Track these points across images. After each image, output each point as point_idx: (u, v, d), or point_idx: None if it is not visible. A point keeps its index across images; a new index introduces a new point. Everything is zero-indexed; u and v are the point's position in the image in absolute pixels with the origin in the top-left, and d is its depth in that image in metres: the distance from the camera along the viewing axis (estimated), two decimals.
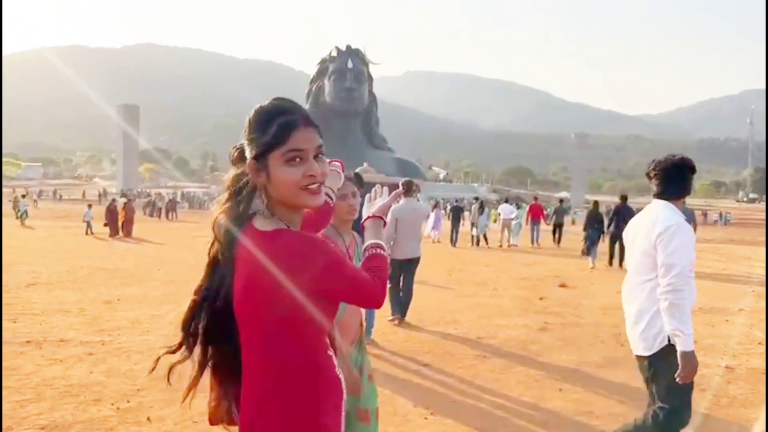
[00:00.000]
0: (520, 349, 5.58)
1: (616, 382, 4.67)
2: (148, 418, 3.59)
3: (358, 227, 1.75)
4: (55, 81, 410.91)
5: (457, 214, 18.89)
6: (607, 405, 4.16)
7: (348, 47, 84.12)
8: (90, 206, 20.94)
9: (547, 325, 6.70)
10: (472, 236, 18.28)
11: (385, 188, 1.76)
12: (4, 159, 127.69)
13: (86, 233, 19.25)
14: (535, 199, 22.48)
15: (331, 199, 1.79)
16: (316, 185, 1.35)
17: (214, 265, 1.44)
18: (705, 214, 54.55)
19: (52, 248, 14.35)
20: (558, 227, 19.09)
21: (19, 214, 23.96)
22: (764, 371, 4.94)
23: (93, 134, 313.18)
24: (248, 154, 1.37)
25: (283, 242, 1.31)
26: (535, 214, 19.75)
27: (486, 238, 18.16)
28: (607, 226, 13.28)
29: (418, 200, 7.39)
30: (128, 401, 3.87)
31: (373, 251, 1.51)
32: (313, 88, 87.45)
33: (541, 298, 8.53)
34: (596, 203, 15.17)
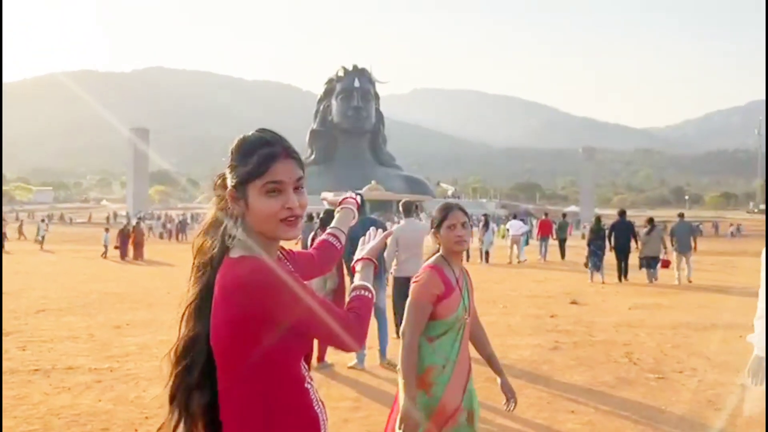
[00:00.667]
0: (531, 370, 5.51)
1: (629, 402, 4.59)
2: None
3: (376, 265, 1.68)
4: (66, 106, 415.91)
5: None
6: (620, 426, 4.08)
7: (354, 67, 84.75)
8: (107, 230, 21.73)
9: (559, 344, 6.62)
10: (480, 251, 18.35)
11: (379, 230, 1.73)
12: (15, 184, 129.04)
13: (103, 256, 19.69)
14: (546, 215, 22.52)
15: (339, 242, 1.78)
16: (293, 218, 1.34)
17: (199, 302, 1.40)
18: (716, 226, 54.07)
19: (61, 273, 14.41)
20: (561, 242, 19.18)
21: (39, 237, 24.71)
22: None
23: (104, 158, 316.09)
24: (229, 182, 1.37)
25: (247, 267, 1.27)
26: (545, 230, 19.78)
27: (488, 255, 18.13)
28: (608, 240, 13.28)
29: (420, 219, 7.48)
30: (136, 430, 3.84)
31: (358, 293, 1.46)
32: (321, 107, 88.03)
33: (552, 316, 8.45)
34: (598, 218, 15.12)
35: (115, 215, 60.74)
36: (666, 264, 12.97)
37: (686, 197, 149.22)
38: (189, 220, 45.26)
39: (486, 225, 18.63)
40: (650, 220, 13.62)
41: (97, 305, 9.08)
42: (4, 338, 6.49)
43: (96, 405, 4.32)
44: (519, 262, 18.09)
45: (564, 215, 17.54)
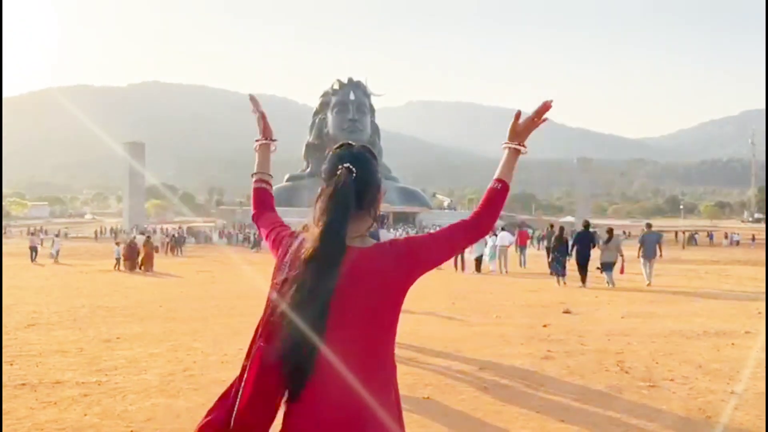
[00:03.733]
0: (522, 379, 5.48)
1: (620, 411, 4.56)
2: None
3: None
4: (62, 120, 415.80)
5: None
6: None
7: (350, 80, 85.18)
8: (118, 244, 22.68)
9: (551, 353, 6.60)
10: (475, 260, 18.48)
11: None
12: (11, 199, 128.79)
13: (116, 268, 20.60)
14: (520, 226, 24.09)
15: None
16: None
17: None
18: (710, 235, 54.17)
19: (55, 287, 14.33)
20: (548, 251, 19.36)
21: (53, 252, 25.31)
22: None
23: (100, 172, 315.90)
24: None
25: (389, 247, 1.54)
26: (522, 240, 22.73)
27: (479, 264, 18.36)
28: (570, 250, 14.73)
29: (387, 231, 7.78)
30: None
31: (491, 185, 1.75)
32: (316, 120, 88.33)
33: (545, 326, 8.43)
34: (561, 228, 16.75)
35: (113, 230, 60.61)
36: (621, 270, 14.51)
37: (681, 206, 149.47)
38: (185, 233, 45.24)
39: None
40: (609, 231, 15.10)
41: (87, 319, 9.02)
42: None
43: (82, 419, 4.27)
44: (506, 272, 18.29)
45: (551, 226, 17.90)
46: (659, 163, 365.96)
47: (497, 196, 1.68)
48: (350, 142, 1.68)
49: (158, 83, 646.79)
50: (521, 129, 1.74)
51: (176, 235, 38.40)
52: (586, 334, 7.79)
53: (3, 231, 63.85)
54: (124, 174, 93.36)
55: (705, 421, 4.37)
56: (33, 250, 25.47)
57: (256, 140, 1.85)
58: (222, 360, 6.23)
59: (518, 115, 1.75)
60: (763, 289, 12.29)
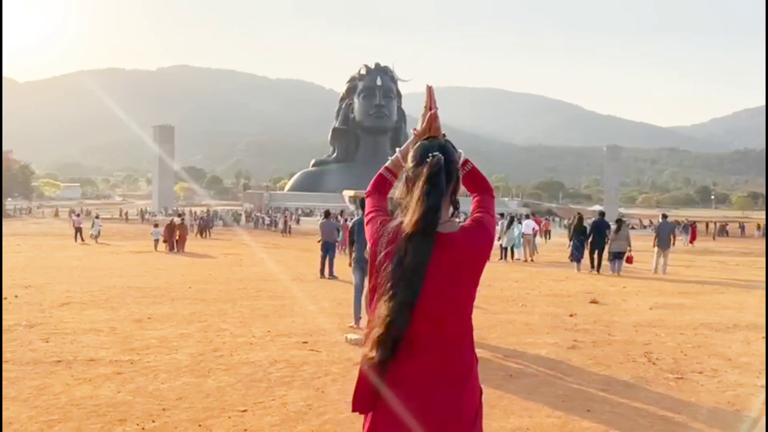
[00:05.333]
0: (548, 368, 5.48)
1: (646, 401, 4.55)
2: None
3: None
4: (93, 103, 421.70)
5: None
6: (636, 426, 4.04)
7: (377, 65, 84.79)
8: (156, 225, 23.44)
9: (577, 342, 6.58)
10: (501, 248, 18.51)
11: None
12: (44, 179, 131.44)
13: (155, 249, 21.33)
14: (579, 215, 23.60)
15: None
16: None
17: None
18: (742, 227, 53.07)
19: (87, 267, 14.63)
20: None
21: (93, 233, 25.98)
22: None
23: (130, 155, 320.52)
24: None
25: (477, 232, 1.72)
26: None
27: (512, 253, 18.44)
28: (587, 237, 15.20)
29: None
30: (153, 421, 3.89)
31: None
32: (343, 105, 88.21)
33: (571, 315, 8.39)
34: (580, 216, 16.91)
35: (142, 211, 61.57)
36: (629, 260, 14.86)
37: (712, 197, 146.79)
38: (213, 217, 45.73)
39: (510, 223, 18.83)
40: (618, 221, 15.49)
41: (119, 299, 9.21)
42: (29, 330, 6.64)
43: (115, 396, 4.39)
44: (526, 260, 18.29)
45: (579, 214, 17.83)
46: (691, 153, 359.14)
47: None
48: (435, 135, 1.81)
49: (188, 67, 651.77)
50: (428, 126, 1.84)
51: (204, 217, 38.83)
52: (613, 324, 7.74)
53: (28, 211, 65.35)
54: (153, 157, 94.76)
55: (734, 415, 4.33)
56: (77, 230, 26.26)
57: (415, 131, 1.87)
58: (250, 342, 6.33)
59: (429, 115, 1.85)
60: None
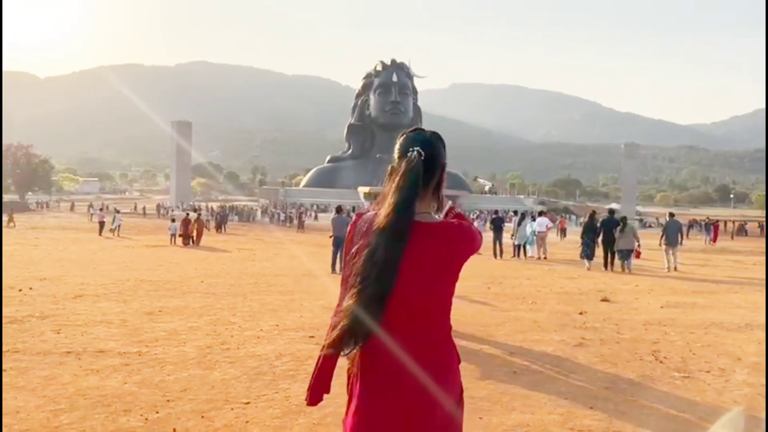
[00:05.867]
0: (553, 365, 5.46)
1: (651, 399, 4.52)
2: (174, 430, 3.65)
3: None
4: (113, 98, 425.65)
5: (498, 224, 18.74)
6: (639, 424, 4.02)
7: (393, 61, 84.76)
8: (173, 220, 23.74)
9: (585, 340, 6.54)
10: (514, 246, 18.52)
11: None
12: (63, 174, 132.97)
13: (172, 243, 21.66)
14: (562, 212, 23.40)
15: None
16: None
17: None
18: (761, 226, 52.32)
19: (103, 261, 14.80)
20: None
21: (114, 227, 26.65)
22: None
23: (148, 150, 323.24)
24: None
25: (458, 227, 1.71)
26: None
27: (525, 250, 18.40)
28: (597, 235, 15.48)
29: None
30: (157, 412, 3.94)
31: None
32: (359, 102, 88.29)
33: (581, 313, 8.35)
34: (591, 215, 17.01)
35: (159, 206, 62.09)
36: (637, 255, 15.14)
37: (731, 195, 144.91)
38: (228, 212, 46.01)
39: (521, 220, 18.77)
40: (623, 219, 15.51)
41: (132, 292, 9.32)
42: (41, 321, 6.74)
43: (122, 387, 4.45)
44: (539, 258, 18.19)
45: (594, 212, 17.76)
46: (710, 151, 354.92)
47: None
48: (421, 128, 1.83)
49: (206, 63, 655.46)
50: None
51: (220, 212, 39.09)
52: (622, 322, 7.69)
53: (46, 205, 66.20)
54: (171, 152, 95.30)
55: (750, 421, 4.29)
56: (101, 224, 26.94)
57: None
58: (258, 335, 6.38)
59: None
60: None
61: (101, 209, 34.49)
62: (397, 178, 1.67)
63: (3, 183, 70.18)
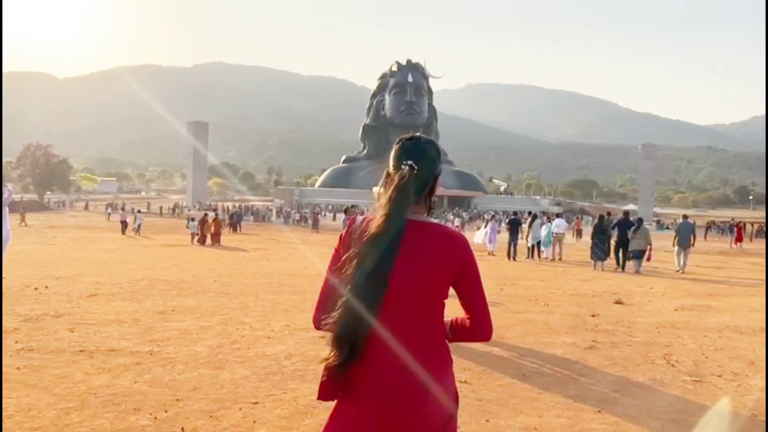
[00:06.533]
0: (563, 368, 5.44)
1: (660, 403, 4.49)
2: (182, 429, 3.69)
3: None
4: (130, 99, 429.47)
5: (514, 226, 18.68)
6: (647, 427, 3.99)
7: (408, 61, 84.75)
8: (192, 219, 24.40)
9: (596, 343, 6.51)
10: (528, 247, 18.52)
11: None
12: (82, 174, 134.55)
13: (192, 242, 22.10)
14: (579, 213, 23.43)
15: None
16: None
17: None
18: None
19: (119, 260, 14.96)
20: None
21: (135, 226, 27.23)
22: None
23: (165, 150, 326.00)
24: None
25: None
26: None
27: (539, 251, 18.37)
28: (610, 236, 15.77)
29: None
30: (166, 411, 3.98)
31: None
32: (374, 102, 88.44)
33: (593, 315, 8.30)
34: (601, 216, 17.37)
35: (176, 206, 62.58)
36: (648, 257, 15.48)
37: (751, 197, 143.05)
38: (243, 212, 46.27)
39: (533, 221, 18.80)
40: (639, 220, 15.93)
41: (145, 291, 9.40)
42: (55, 320, 6.83)
43: (132, 386, 4.50)
44: (554, 259, 18.16)
45: (608, 213, 17.74)
46: (729, 152, 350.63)
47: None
48: (418, 134, 1.84)
49: (222, 64, 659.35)
50: None
51: (236, 212, 39.33)
52: (635, 325, 7.64)
53: (64, 204, 67.02)
54: (187, 152, 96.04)
55: (749, 419, 4.25)
56: (123, 224, 27.54)
57: None
58: (268, 335, 6.41)
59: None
60: None
61: (123, 209, 35.17)
62: (390, 191, 1.69)
63: (23, 183, 71.28)
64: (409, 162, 1.72)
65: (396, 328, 1.63)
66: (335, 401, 1.71)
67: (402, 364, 1.62)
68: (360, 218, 1.76)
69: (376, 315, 1.61)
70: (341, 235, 1.81)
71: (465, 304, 1.75)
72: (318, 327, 1.73)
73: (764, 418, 4.25)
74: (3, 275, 10.04)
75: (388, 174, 1.75)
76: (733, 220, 43.59)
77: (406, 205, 1.67)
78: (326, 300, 1.72)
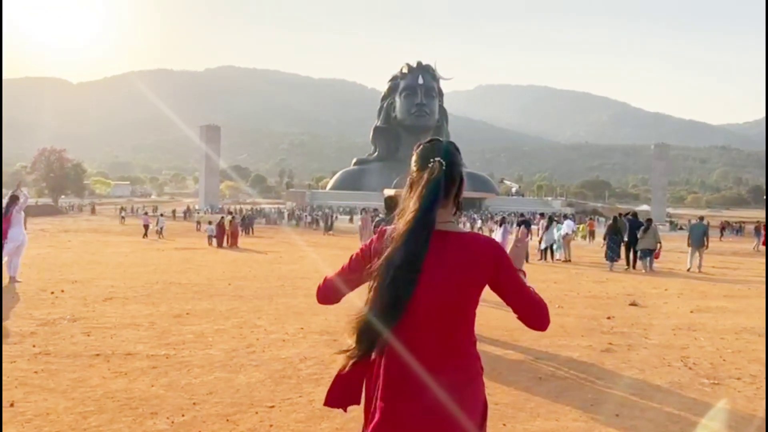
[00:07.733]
0: (579, 371, 5.40)
1: (679, 408, 4.44)
2: None
3: None
4: (143, 103, 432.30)
5: (525, 228, 18.63)
6: None
7: (419, 63, 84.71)
8: (210, 222, 24.89)
9: (612, 346, 6.46)
10: (540, 250, 18.46)
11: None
12: (95, 178, 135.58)
13: (209, 244, 22.76)
14: (591, 214, 23.52)
15: None
16: None
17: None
18: None
19: (133, 263, 15.04)
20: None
21: (158, 228, 27.89)
22: None
23: (177, 154, 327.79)
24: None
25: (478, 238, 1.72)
26: None
27: (552, 253, 18.34)
28: (621, 237, 15.89)
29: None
30: (183, 415, 4.00)
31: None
32: (385, 105, 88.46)
33: (608, 318, 8.25)
34: (615, 217, 17.46)
35: (188, 209, 62.87)
36: (656, 255, 15.67)
37: (765, 197, 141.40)
38: (256, 215, 46.41)
39: (549, 224, 18.76)
40: (648, 220, 16.08)
41: (160, 295, 9.44)
42: (72, 324, 6.87)
43: (149, 390, 4.52)
44: (565, 260, 18.22)
45: (620, 214, 17.68)
46: (743, 151, 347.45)
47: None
48: (438, 137, 1.85)
49: (233, 68, 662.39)
50: None
51: (247, 215, 39.46)
52: (651, 327, 7.57)
53: (78, 208, 67.59)
54: (200, 156, 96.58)
55: None
56: (145, 227, 28.23)
57: None
58: (283, 338, 6.42)
59: None
60: None
61: (146, 213, 35.78)
62: (419, 189, 1.67)
63: (38, 187, 71.93)
64: (437, 158, 1.70)
65: (426, 327, 1.63)
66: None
67: (433, 367, 1.62)
68: (390, 228, 1.74)
69: (404, 311, 1.60)
70: (362, 246, 1.81)
71: (510, 303, 1.75)
72: (323, 301, 1.90)
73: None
74: (18, 279, 10.17)
75: (412, 181, 1.74)
76: (758, 222, 43.01)
77: (438, 201, 1.66)
78: (331, 285, 1.84)
